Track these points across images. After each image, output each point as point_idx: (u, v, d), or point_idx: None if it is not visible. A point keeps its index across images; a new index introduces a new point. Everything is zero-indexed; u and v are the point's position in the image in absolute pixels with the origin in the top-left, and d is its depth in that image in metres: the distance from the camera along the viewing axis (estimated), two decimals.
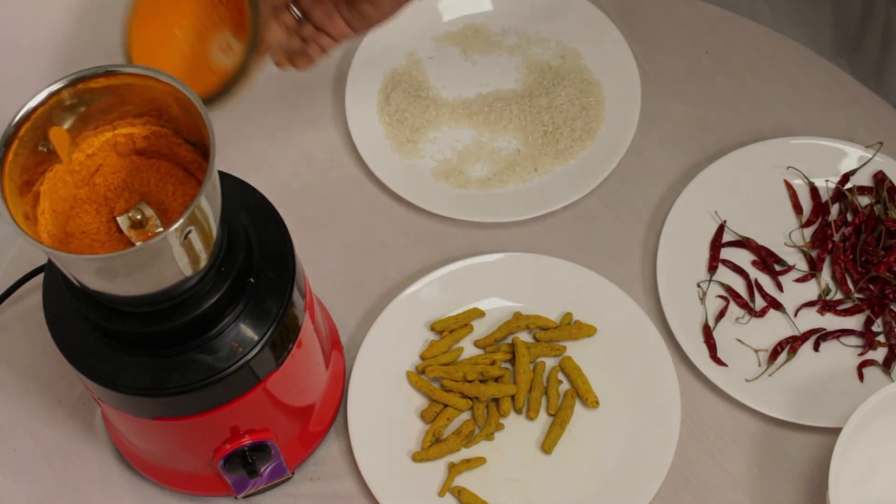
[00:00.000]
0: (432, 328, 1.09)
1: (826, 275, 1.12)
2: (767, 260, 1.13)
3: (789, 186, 1.16)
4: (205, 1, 0.94)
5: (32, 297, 1.12)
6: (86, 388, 0.93)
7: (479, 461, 1.03)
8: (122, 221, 0.83)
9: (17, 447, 1.07)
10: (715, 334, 1.09)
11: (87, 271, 0.78)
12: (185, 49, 0.94)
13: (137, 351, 0.85)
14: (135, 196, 0.84)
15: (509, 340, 1.09)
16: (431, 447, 1.03)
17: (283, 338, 0.89)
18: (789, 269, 1.12)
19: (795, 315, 1.10)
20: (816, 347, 1.08)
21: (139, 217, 0.83)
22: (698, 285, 1.12)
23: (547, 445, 1.04)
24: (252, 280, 0.86)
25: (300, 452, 1.03)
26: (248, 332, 0.86)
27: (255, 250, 0.87)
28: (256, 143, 1.22)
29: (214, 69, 0.93)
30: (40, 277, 0.94)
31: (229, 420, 0.91)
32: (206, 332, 0.84)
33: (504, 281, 1.11)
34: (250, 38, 0.91)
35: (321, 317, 1.01)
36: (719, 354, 1.07)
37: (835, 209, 1.15)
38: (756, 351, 1.08)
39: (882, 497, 0.98)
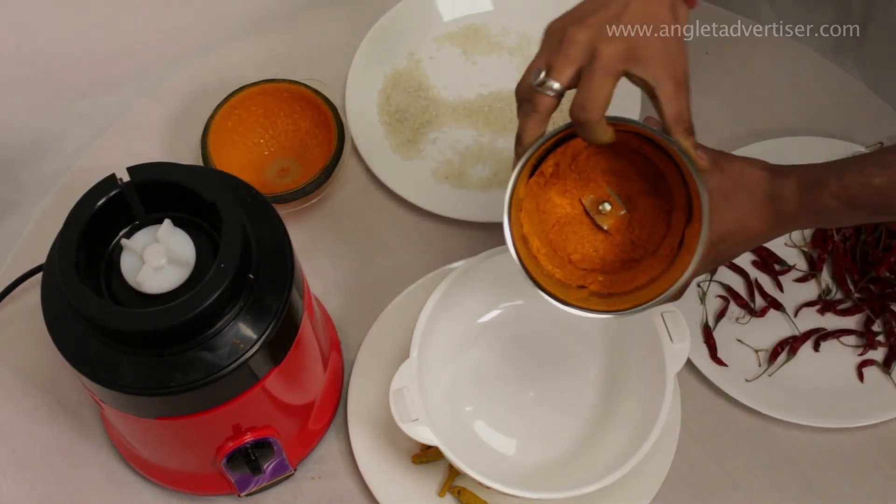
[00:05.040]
0: None
1: (826, 275, 1.12)
2: (767, 260, 1.13)
3: None
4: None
5: (32, 296, 1.12)
6: (86, 389, 0.92)
7: None
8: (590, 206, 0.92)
9: (17, 447, 1.07)
10: (715, 334, 1.08)
11: None
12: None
13: (137, 350, 0.84)
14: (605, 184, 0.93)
15: None
16: (430, 448, 1.03)
17: (283, 335, 0.89)
18: (789, 269, 1.12)
19: (795, 315, 1.10)
20: (816, 347, 1.08)
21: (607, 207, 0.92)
22: (698, 285, 1.12)
23: None
24: (251, 276, 0.86)
25: (300, 451, 1.03)
26: (249, 328, 0.85)
27: (254, 247, 0.87)
28: None
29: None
30: (39, 277, 0.94)
31: (232, 417, 0.91)
32: (206, 330, 0.84)
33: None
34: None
35: (320, 316, 1.01)
36: (719, 354, 1.07)
37: None
38: (756, 351, 1.08)
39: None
